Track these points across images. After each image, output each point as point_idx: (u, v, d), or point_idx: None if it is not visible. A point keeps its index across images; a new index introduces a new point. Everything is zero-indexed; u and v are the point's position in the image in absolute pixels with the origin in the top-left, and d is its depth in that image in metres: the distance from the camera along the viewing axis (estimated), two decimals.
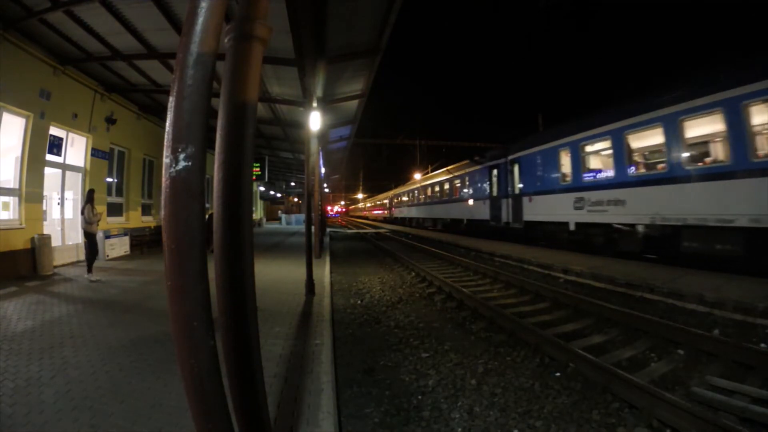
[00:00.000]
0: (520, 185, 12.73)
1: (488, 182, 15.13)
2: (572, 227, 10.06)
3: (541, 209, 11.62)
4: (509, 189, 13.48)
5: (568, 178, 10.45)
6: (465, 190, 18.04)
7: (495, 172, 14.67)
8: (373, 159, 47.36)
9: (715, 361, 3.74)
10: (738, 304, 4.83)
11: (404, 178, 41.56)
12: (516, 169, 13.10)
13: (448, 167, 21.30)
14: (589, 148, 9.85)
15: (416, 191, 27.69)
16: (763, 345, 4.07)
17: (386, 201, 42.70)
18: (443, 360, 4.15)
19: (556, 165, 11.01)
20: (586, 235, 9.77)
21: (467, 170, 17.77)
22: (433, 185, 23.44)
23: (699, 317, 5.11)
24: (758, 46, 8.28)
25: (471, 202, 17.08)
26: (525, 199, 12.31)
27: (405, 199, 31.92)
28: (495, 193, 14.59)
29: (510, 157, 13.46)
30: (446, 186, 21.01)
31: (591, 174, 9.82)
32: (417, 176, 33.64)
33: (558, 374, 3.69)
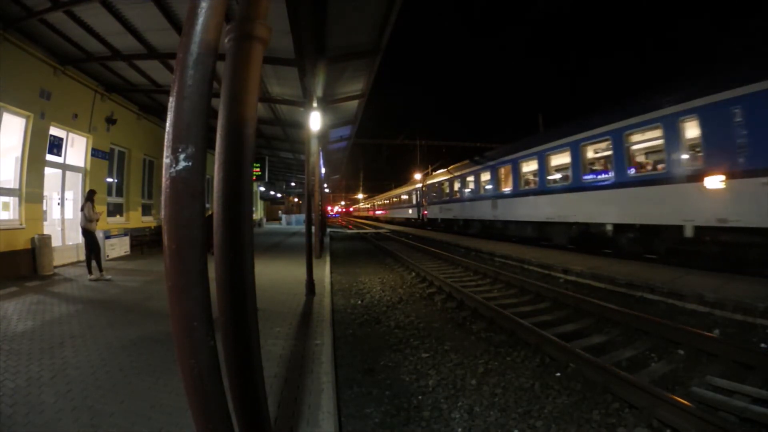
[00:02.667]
0: None
1: None
2: None
3: None
4: None
5: None
6: (687, 159, 7.18)
7: None
8: (373, 159, 47.40)
9: (715, 361, 3.74)
10: (738, 304, 4.83)
11: (404, 178, 40.50)
12: None
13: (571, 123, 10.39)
14: None
15: (486, 174, 15.31)
16: (763, 345, 4.07)
17: (412, 195, 28.61)
18: (443, 360, 4.15)
19: None
20: None
21: (683, 107, 7.03)
22: (543, 155, 11.32)
23: (699, 317, 5.11)
24: None
25: (724, 182, 6.36)
26: None
27: (456, 189, 18.75)
28: None
29: None
30: (585, 154, 9.79)
31: None
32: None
33: (558, 374, 3.69)
